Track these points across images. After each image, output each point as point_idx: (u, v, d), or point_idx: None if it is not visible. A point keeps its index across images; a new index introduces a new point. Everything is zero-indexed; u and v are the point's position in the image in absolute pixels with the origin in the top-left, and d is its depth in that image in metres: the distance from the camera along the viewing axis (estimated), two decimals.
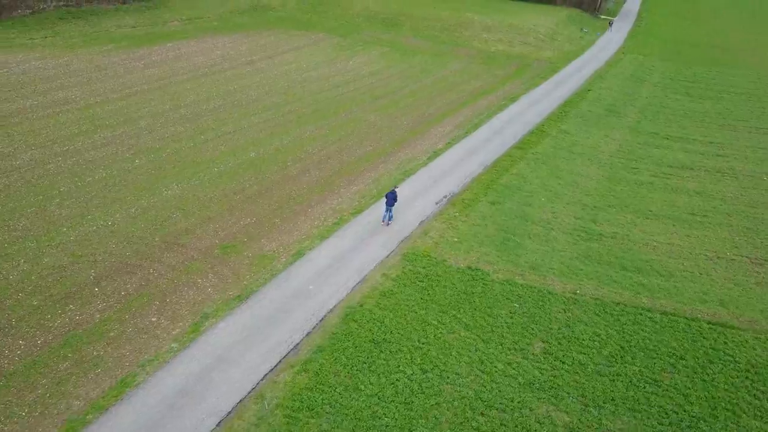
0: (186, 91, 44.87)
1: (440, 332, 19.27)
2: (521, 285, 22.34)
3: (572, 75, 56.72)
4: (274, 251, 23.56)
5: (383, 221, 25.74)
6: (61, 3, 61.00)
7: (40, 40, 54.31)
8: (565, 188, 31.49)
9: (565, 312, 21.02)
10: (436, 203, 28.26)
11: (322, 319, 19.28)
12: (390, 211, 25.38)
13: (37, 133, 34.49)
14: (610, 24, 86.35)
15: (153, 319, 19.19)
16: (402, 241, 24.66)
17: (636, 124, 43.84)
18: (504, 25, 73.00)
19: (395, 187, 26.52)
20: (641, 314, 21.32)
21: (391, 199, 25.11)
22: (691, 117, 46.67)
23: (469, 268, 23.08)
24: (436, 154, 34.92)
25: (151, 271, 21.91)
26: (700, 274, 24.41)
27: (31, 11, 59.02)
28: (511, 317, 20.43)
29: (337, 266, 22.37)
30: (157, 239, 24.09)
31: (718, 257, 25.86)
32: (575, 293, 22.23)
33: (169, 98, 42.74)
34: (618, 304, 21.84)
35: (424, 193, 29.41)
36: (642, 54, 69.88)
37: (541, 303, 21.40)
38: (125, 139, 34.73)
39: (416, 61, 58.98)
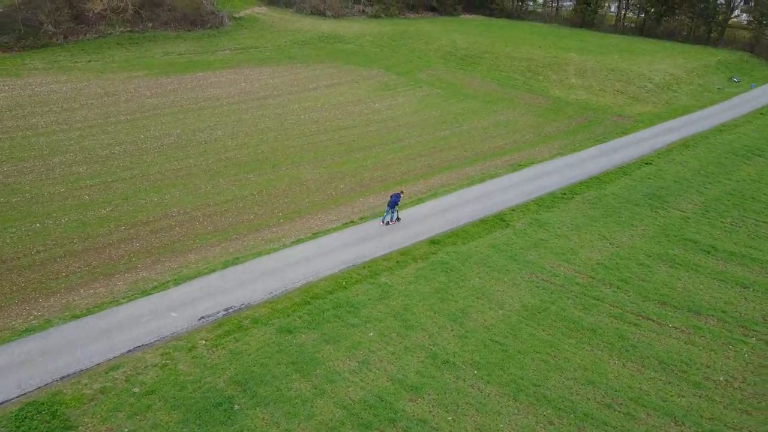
0: (155, 125, 41.56)
1: None
2: None
3: (647, 139, 42.54)
4: None
5: (383, 221, 27.16)
6: (127, 29, 62.56)
7: (83, 64, 55.59)
8: (433, 321, 20.84)
9: None
10: (201, 319, 19.90)
11: None
12: (388, 213, 26.71)
13: None
14: None
15: None
16: (62, 378, 16.93)
17: (678, 222, 29.94)
18: (606, 69, 59.30)
19: (401, 191, 27.31)
20: None
21: (393, 202, 26.21)
22: None
23: None
24: (314, 236, 26.23)
25: None
26: None
27: (97, 36, 61.25)
28: None
29: None
30: None
31: None
32: None
33: (127, 132, 39.68)
34: None
35: (207, 297, 21.21)
36: None
37: None
38: (14, 176, 31.78)
39: (458, 108, 49.40)
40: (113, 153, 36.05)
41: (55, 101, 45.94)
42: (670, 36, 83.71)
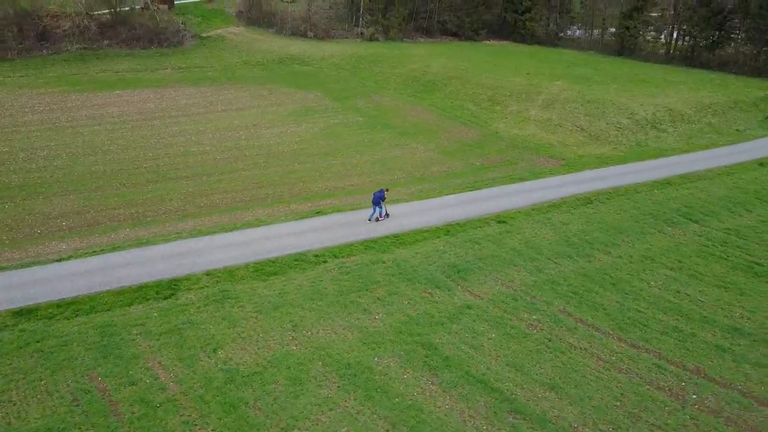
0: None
1: None
2: None
3: (546, 189, 32.15)
4: None
5: (370, 219, 26.24)
6: (83, 46, 61.36)
7: (12, 79, 54.58)
8: None
9: None
10: None
11: None
12: (375, 210, 25.82)
13: None
14: None
15: None
16: None
17: (446, 314, 20.41)
18: (582, 101, 48.32)
19: (385, 189, 26.26)
20: None
21: (377, 198, 25.50)
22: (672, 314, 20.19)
23: None
24: None
25: None
26: None
27: (51, 52, 60.49)
28: None
29: None
30: None
31: None
32: None
33: None
34: None
35: None
36: None
37: None
38: None
39: (361, 139, 41.86)
40: None
41: None
42: (723, 66, 69.18)
